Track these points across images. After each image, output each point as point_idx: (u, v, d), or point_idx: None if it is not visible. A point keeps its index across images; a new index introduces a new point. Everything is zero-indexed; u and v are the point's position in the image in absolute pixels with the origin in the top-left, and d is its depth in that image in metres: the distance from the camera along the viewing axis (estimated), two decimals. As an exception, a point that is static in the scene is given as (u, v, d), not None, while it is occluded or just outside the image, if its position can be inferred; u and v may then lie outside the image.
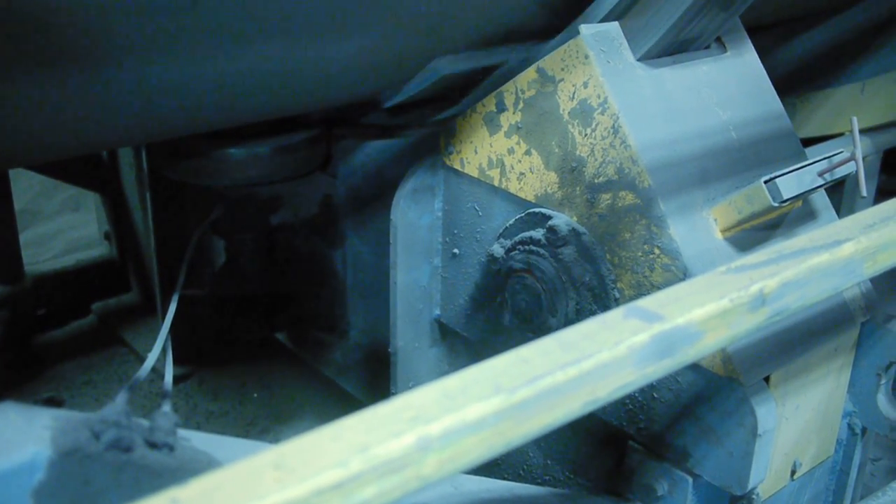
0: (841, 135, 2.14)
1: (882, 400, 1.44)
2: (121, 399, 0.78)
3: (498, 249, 1.44)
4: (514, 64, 1.50)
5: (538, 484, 1.58)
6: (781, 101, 1.49)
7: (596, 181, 1.32)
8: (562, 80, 1.35)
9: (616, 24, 1.36)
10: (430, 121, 1.68)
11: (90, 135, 1.30)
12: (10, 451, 0.66)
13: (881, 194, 2.34)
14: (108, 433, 0.70)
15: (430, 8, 1.31)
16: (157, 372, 2.10)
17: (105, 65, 1.09)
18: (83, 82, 1.11)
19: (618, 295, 1.32)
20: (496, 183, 1.48)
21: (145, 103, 1.22)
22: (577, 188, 1.35)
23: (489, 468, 1.63)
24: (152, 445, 0.73)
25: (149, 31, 1.06)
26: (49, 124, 1.19)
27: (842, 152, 1.32)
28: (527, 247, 1.39)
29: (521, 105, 1.41)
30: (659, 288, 1.26)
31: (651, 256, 1.27)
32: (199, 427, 2.20)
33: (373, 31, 1.31)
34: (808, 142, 1.78)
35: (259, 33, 1.18)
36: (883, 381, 1.44)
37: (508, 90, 1.42)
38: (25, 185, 3.57)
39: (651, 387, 1.30)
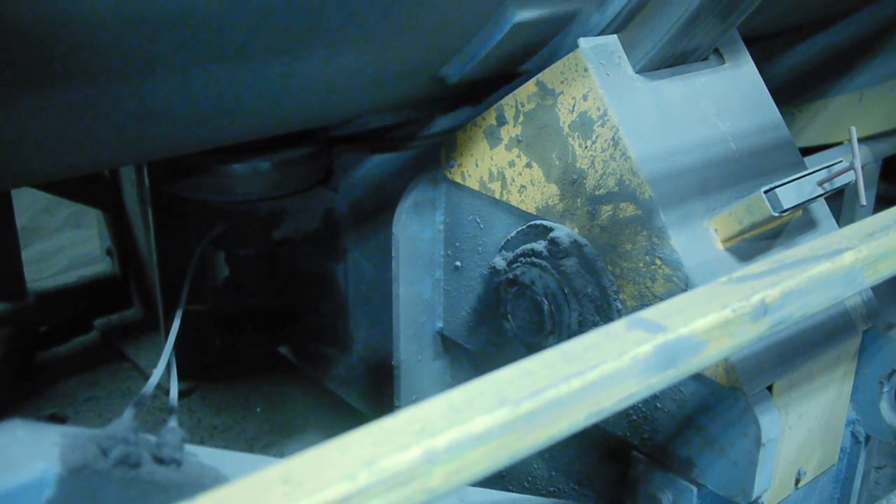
0: (839, 144, 2.15)
1: (885, 408, 1.45)
2: (128, 415, 0.78)
3: (500, 262, 1.45)
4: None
5: (543, 495, 1.58)
6: (780, 111, 1.50)
7: (597, 193, 1.33)
8: (561, 92, 1.36)
9: (615, 37, 1.37)
10: (430, 134, 1.69)
11: (93, 154, 1.31)
12: (19, 468, 0.66)
13: (881, 202, 2.35)
14: (116, 449, 0.70)
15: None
16: (161, 387, 2.10)
17: (108, 84, 1.09)
18: (87, 102, 1.11)
19: (620, 306, 1.32)
20: (497, 196, 1.49)
21: (149, 122, 1.23)
22: (578, 200, 1.35)
23: (494, 480, 1.63)
24: (160, 461, 0.73)
25: (152, 49, 1.07)
26: (52, 145, 1.19)
27: (841, 161, 1.33)
28: (528, 259, 1.39)
29: (521, 118, 1.42)
30: (661, 298, 1.26)
31: (653, 267, 1.28)
32: (202, 442, 2.20)
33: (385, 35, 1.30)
34: (807, 151, 1.79)
35: (267, 50, 1.18)
36: (885, 389, 1.44)
37: (508, 103, 1.43)
38: (27, 203, 3.58)
39: (654, 397, 1.30)
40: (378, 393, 2.08)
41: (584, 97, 1.33)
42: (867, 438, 1.50)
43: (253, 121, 1.40)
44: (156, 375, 1.68)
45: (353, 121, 1.75)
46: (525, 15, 1.35)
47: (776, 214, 1.26)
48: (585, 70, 1.32)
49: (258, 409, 2.32)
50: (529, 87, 1.39)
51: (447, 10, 1.30)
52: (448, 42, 1.38)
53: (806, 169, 1.35)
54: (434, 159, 1.60)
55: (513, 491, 1.62)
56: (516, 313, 1.43)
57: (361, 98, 1.50)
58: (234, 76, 1.22)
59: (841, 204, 2.20)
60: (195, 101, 1.24)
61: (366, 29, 1.23)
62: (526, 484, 1.61)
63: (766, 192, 1.26)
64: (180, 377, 1.87)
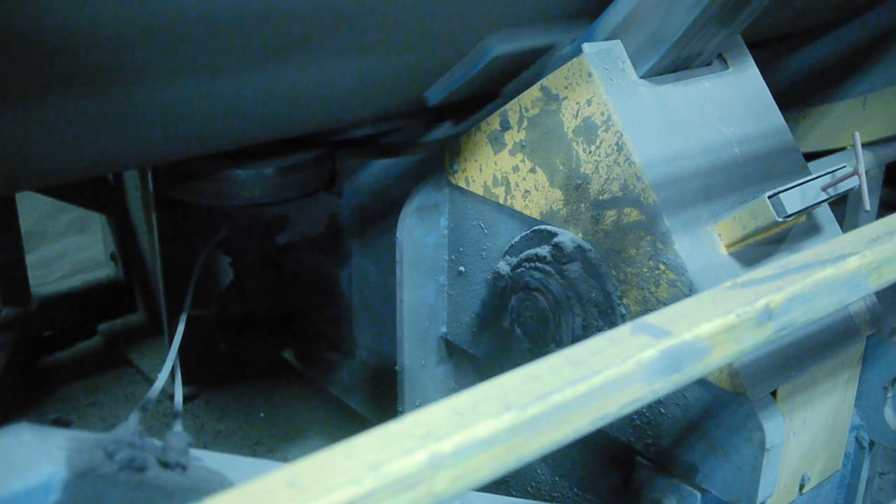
0: (843, 149, 2.15)
1: (889, 413, 1.44)
2: (133, 419, 0.79)
3: (504, 267, 1.45)
4: (561, 51, 1.47)
5: (546, 500, 1.58)
6: (783, 115, 1.50)
7: (601, 198, 1.33)
8: (565, 98, 1.36)
9: (618, 42, 1.37)
10: (434, 139, 1.69)
11: (97, 158, 1.31)
12: (25, 472, 0.66)
13: (884, 208, 2.35)
14: (121, 453, 0.70)
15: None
16: (165, 392, 2.10)
17: (116, 89, 1.10)
18: (94, 107, 1.12)
19: (624, 311, 1.32)
20: (501, 200, 1.49)
21: (155, 126, 1.23)
22: (582, 205, 1.36)
23: (498, 485, 1.63)
24: (165, 465, 0.73)
25: (161, 55, 1.07)
26: (58, 149, 1.20)
27: (845, 167, 1.33)
28: (532, 264, 1.39)
29: (525, 123, 1.42)
30: (665, 303, 1.27)
31: (657, 272, 1.28)
32: (206, 447, 2.20)
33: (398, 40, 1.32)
34: (811, 156, 1.79)
35: (274, 54, 1.19)
36: (890, 395, 1.44)
37: (512, 108, 1.43)
38: (31, 207, 3.59)
39: (659, 402, 1.30)
40: (381, 398, 2.08)
41: (588, 102, 1.33)
42: (871, 444, 1.50)
43: (247, 125, 1.41)
44: (161, 380, 1.68)
45: (346, 129, 1.76)
46: (504, 48, 1.42)
47: (780, 219, 1.26)
48: (589, 75, 1.32)
49: (261, 414, 2.33)
50: (533, 92, 1.40)
51: (430, 39, 1.35)
52: (431, 66, 1.45)
53: (810, 174, 1.35)
54: (438, 164, 1.61)
55: (516, 496, 1.62)
56: (520, 318, 1.43)
57: (347, 110, 1.52)
58: (231, 84, 1.22)
59: (844, 209, 2.20)
60: (207, 106, 1.25)
61: (356, 42, 1.24)
62: (529, 489, 1.61)
63: (770, 197, 1.26)
64: (184, 381, 1.88)
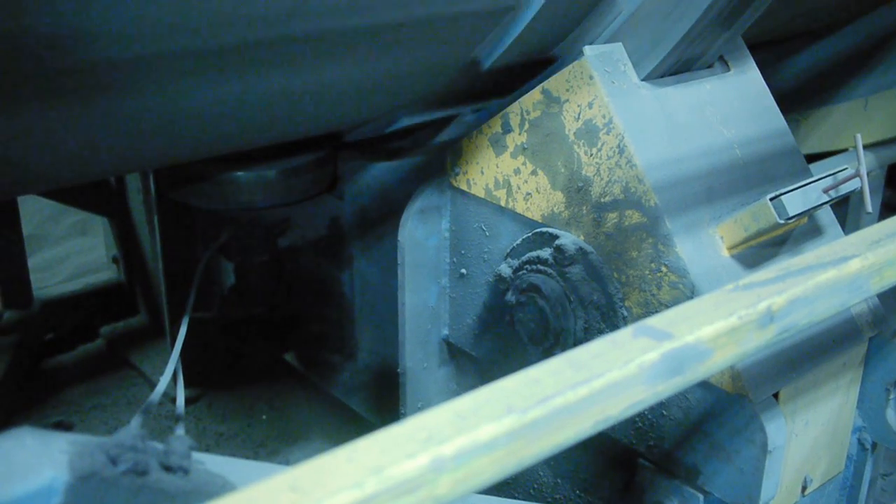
0: (844, 151, 2.15)
1: (891, 415, 1.44)
2: (135, 423, 0.79)
3: (505, 269, 1.45)
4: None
5: (548, 503, 1.58)
6: (784, 117, 1.50)
7: (602, 200, 1.33)
8: (567, 100, 1.36)
9: (619, 45, 1.37)
10: (435, 142, 1.69)
11: (101, 162, 1.31)
12: (27, 476, 0.66)
13: (886, 209, 2.35)
14: (124, 457, 0.70)
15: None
16: (167, 395, 2.10)
17: (119, 92, 1.10)
18: (96, 110, 1.12)
19: (626, 313, 1.32)
20: (503, 203, 1.49)
21: (158, 129, 1.23)
22: (584, 207, 1.36)
23: (500, 487, 1.63)
24: (167, 469, 0.73)
25: (162, 60, 1.07)
26: (59, 152, 1.20)
27: (846, 169, 1.33)
28: (534, 266, 1.39)
29: (526, 126, 1.42)
30: (667, 306, 1.27)
31: (658, 274, 1.28)
32: (208, 449, 2.21)
33: (392, 52, 1.31)
34: (812, 158, 1.79)
35: (276, 59, 1.19)
36: (892, 396, 1.44)
37: (514, 111, 1.43)
38: (33, 210, 3.59)
39: (661, 405, 1.30)
40: (383, 400, 2.08)
41: (590, 105, 1.33)
42: (874, 445, 1.50)
43: (256, 126, 1.41)
44: (163, 383, 1.69)
45: (381, 121, 1.73)
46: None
47: (782, 222, 1.26)
48: (591, 78, 1.33)
49: (263, 417, 2.33)
50: (535, 94, 1.40)
51: None
52: (480, 21, 1.37)
53: (811, 176, 1.35)
54: (439, 167, 1.61)
55: (518, 498, 1.61)
56: (522, 321, 1.43)
57: (393, 94, 1.50)
58: (255, 81, 1.22)
59: (846, 211, 2.20)
60: (209, 109, 1.25)
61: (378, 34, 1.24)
62: (531, 491, 1.61)
63: (771, 199, 1.26)
64: (186, 384, 1.88)
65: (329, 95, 1.39)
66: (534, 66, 1.48)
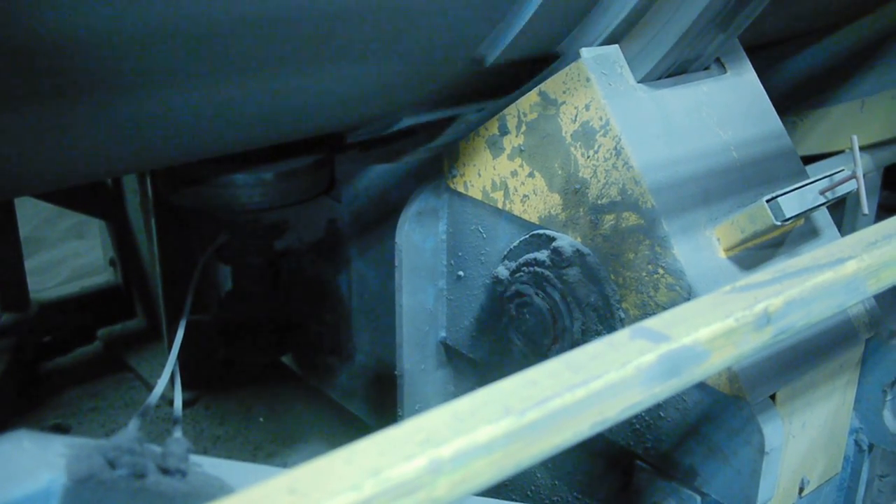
0: (841, 152, 2.15)
1: (888, 416, 1.45)
2: (133, 425, 0.79)
3: (503, 271, 1.45)
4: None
5: (546, 505, 1.58)
6: (781, 119, 1.50)
7: (599, 202, 1.33)
8: (564, 102, 1.36)
9: (616, 46, 1.38)
10: (433, 145, 1.69)
11: (97, 163, 1.31)
12: (25, 479, 0.66)
13: (883, 211, 2.35)
14: (121, 460, 0.70)
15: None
16: (164, 397, 2.10)
17: (115, 94, 1.10)
18: (92, 112, 1.12)
19: (623, 315, 1.32)
20: (500, 205, 1.49)
21: (155, 130, 1.23)
22: (581, 209, 1.36)
23: (497, 490, 1.63)
24: (165, 472, 0.73)
25: (160, 61, 1.07)
26: (56, 154, 1.20)
27: (843, 170, 1.33)
28: (531, 268, 1.39)
29: (523, 128, 1.42)
30: (664, 308, 1.27)
31: (655, 276, 1.28)
32: (206, 452, 2.20)
33: (387, 56, 1.31)
34: (809, 159, 1.79)
35: (271, 61, 1.19)
36: (889, 398, 1.44)
37: (511, 113, 1.44)
38: (30, 213, 3.59)
39: (658, 406, 1.30)
40: (381, 402, 2.08)
41: (587, 107, 1.33)
42: (870, 447, 1.50)
43: (255, 127, 1.41)
44: (160, 385, 1.68)
45: (387, 120, 1.73)
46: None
47: (778, 223, 1.26)
48: (587, 80, 1.33)
49: (261, 419, 2.33)
50: (531, 96, 1.40)
51: None
52: (483, 15, 1.36)
53: (808, 178, 1.36)
54: (436, 169, 1.61)
55: (515, 500, 1.61)
56: (519, 323, 1.43)
57: (397, 92, 1.49)
58: (256, 82, 1.22)
59: (843, 212, 2.20)
60: (205, 111, 1.25)
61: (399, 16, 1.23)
62: (529, 493, 1.61)
63: (768, 200, 1.26)
64: (183, 387, 1.88)
65: (331, 95, 1.39)
66: (538, 62, 1.48)
